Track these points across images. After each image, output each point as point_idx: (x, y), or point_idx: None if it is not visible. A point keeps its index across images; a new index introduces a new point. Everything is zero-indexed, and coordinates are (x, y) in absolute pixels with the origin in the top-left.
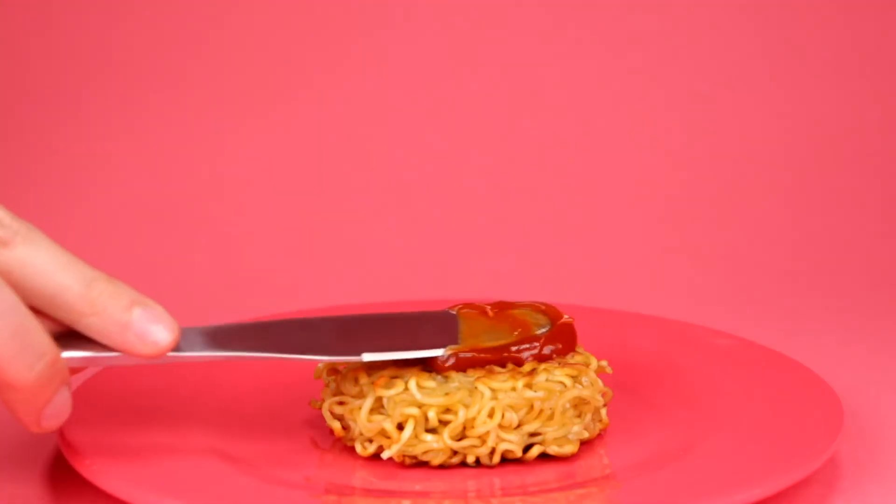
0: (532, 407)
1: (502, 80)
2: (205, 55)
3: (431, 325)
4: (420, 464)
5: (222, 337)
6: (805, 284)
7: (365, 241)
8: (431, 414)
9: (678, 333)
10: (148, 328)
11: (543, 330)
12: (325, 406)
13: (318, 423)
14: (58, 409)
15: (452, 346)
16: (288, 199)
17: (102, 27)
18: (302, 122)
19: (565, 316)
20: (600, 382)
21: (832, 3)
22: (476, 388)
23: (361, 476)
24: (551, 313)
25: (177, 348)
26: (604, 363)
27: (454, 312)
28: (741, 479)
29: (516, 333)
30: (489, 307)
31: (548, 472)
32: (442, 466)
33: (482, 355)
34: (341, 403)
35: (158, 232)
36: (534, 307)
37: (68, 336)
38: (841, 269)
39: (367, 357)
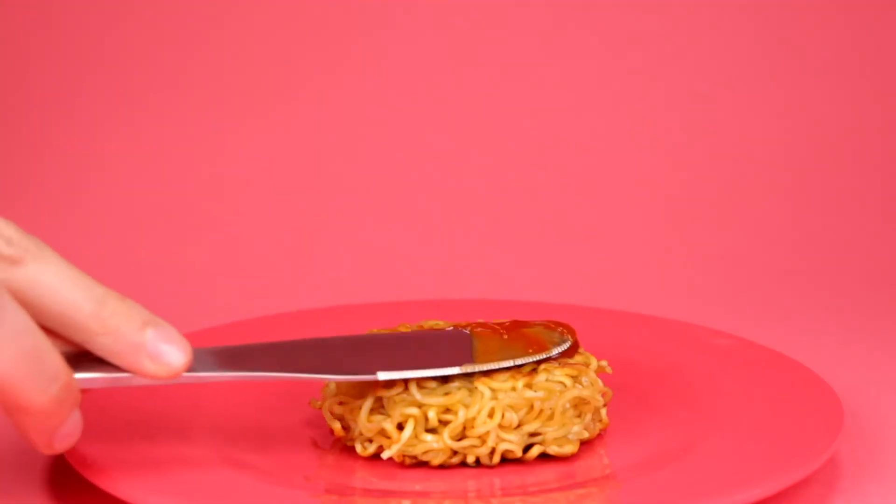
0: (532, 407)
1: (502, 80)
2: (205, 55)
3: (445, 343)
4: (420, 464)
5: (234, 357)
6: (805, 284)
7: (365, 241)
8: (431, 414)
9: (678, 333)
10: (161, 349)
11: (561, 348)
12: (325, 406)
13: (318, 423)
14: (70, 431)
15: (468, 364)
16: (288, 199)
17: (102, 27)
18: (302, 122)
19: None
20: (600, 382)
21: (832, 3)
22: (476, 388)
23: (361, 476)
24: (567, 330)
25: (189, 369)
26: (604, 363)
27: (467, 332)
28: (741, 479)
29: (530, 351)
30: (502, 326)
31: (548, 472)
32: (442, 466)
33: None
34: (341, 403)
35: (158, 232)
36: (547, 326)
37: (78, 356)
38: (841, 269)
39: (383, 375)
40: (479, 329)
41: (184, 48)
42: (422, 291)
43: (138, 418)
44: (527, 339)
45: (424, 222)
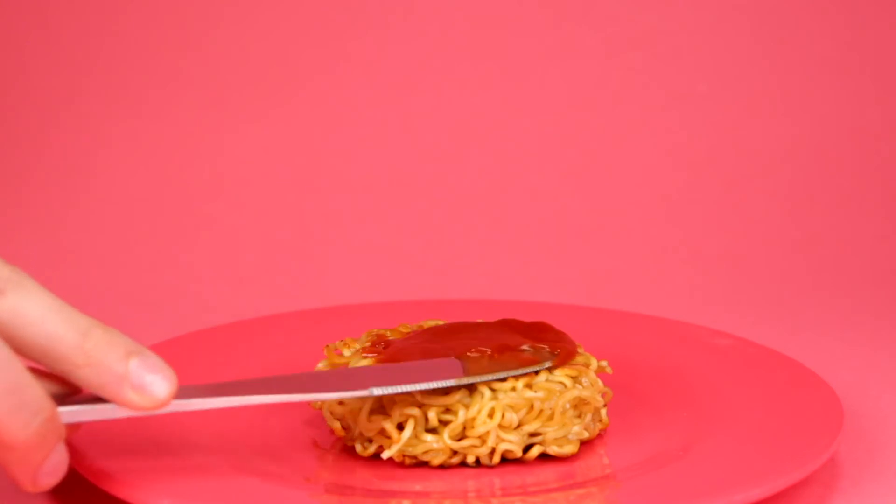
0: (532, 407)
1: (502, 79)
2: (204, 54)
3: (437, 365)
4: (420, 464)
5: (224, 385)
6: (805, 284)
7: (365, 241)
8: (431, 414)
9: (678, 333)
10: (145, 379)
11: (548, 364)
12: (325, 406)
13: (318, 423)
14: (54, 467)
15: (463, 378)
16: (288, 199)
17: (101, 26)
18: (301, 122)
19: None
20: (600, 382)
21: (832, 3)
22: (476, 388)
23: (361, 476)
24: (556, 345)
25: (176, 397)
26: (604, 363)
27: (458, 362)
28: (741, 479)
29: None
30: (490, 350)
31: (548, 472)
32: (442, 466)
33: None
34: (341, 403)
35: (158, 232)
36: (535, 346)
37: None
38: (841, 268)
39: (377, 391)
40: (468, 354)
41: (183, 48)
42: (422, 291)
43: (137, 418)
44: (515, 358)
45: (424, 222)
